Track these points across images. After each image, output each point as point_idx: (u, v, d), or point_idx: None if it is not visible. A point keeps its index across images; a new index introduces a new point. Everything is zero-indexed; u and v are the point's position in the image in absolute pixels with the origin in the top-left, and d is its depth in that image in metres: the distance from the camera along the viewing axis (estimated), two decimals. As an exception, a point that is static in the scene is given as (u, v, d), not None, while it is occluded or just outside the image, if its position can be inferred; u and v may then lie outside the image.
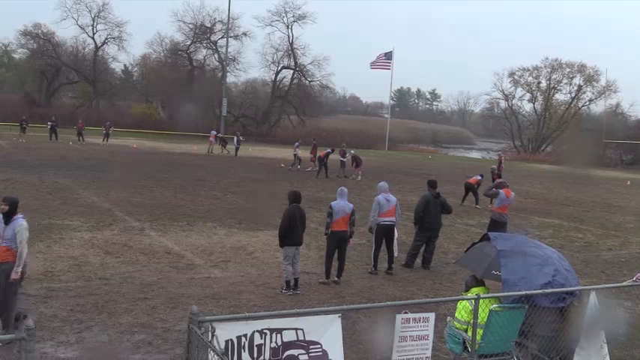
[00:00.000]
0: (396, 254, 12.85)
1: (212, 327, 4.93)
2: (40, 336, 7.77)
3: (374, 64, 69.30)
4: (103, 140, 46.15)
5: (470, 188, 24.39)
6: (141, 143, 49.03)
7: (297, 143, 36.09)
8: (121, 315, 9.05)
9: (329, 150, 33.04)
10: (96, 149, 40.72)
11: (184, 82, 74.30)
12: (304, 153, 35.97)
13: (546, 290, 6.97)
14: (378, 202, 12.63)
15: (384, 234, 12.65)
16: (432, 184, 13.75)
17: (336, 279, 11.63)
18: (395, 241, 12.79)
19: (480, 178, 24.86)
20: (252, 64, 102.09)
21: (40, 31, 73.90)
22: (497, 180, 20.65)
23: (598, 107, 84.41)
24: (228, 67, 73.17)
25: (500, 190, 15.00)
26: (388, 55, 69.19)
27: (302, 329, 5.60)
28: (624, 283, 10.32)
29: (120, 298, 9.82)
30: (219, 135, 50.45)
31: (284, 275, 10.87)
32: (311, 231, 15.26)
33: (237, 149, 43.30)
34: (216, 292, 10.50)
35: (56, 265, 11.55)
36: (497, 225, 14.28)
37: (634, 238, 19.34)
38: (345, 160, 33.50)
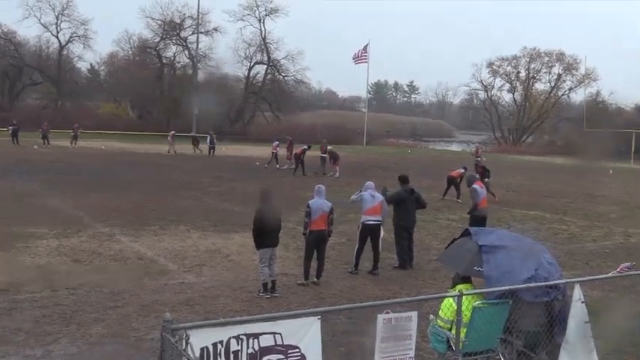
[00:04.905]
0: (379, 253, 12.82)
1: (186, 334, 4.85)
2: (4, 351, 7.63)
3: (357, 59, 69.36)
4: (72, 143, 45.55)
5: (452, 182, 24.43)
6: (110, 145, 48.53)
7: (276, 142, 35.98)
8: (91, 325, 8.92)
9: (305, 147, 32.96)
10: (62, 152, 40.20)
11: (154, 80, 73.80)
12: (282, 151, 35.86)
13: (530, 285, 6.99)
14: (362, 197, 12.64)
15: (369, 233, 12.63)
16: (404, 180, 13.70)
17: (315, 280, 11.60)
18: (380, 241, 12.76)
19: (462, 170, 24.77)
20: (224, 60, 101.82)
21: (0, 31, 72.79)
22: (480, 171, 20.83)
23: (578, 96, 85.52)
24: (199, 64, 72.80)
25: (475, 186, 15.00)
26: (365, 48, 69.32)
27: (280, 333, 5.54)
28: (609, 275, 10.42)
29: (89, 308, 9.68)
30: (192, 134, 49.94)
31: (261, 278, 10.81)
32: (289, 231, 15.21)
33: (210, 149, 43.02)
34: (191, 298, 10.42)
35: (21, 275, 11.34)
36: (477, 220, 14.33)
37: (617, 228, 19.56)
38: (325, 156, 33.43)
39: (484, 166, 24.75)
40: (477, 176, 16.86)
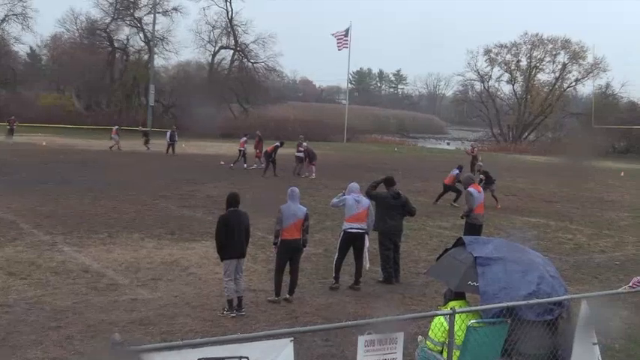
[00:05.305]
0: (367, 267, 12.86)
1: (139, 358, 4.84)
2: None
3: (339, 43, 69.49)
4: (7, 138, 45.03)
5: (449, 188, 24.31)
6: (51, 140, 48.07)
7: (244, 137, 35.88)
8: (28, 349, 8.81)
9: (277, 143, 32.95)
10: (-4, 149, 39.73)
11: (104, 66, 73.28)
12: (250, 149, 35.79)
13: (531, 301, 7.04)
14: (345, 201, 12.68)
15: (351, 243, 12.65)
16: (389, 182, 13.77)
17: (287, 296, 11.59)
18: (365, 251, 12.79)
19: (457, 172, 24.56)
20: (184, 45, 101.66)
21: None
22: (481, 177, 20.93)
23: (586, 88, 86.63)
24: (155, 48, 72.54)
25: (471, 189, 15.05)
26: (346, 32, 69.53)
27: (247, 357, 5.53)
28: (620, 290, 10.55)
29: (26, 328, 9.57)
30: (141, 128, 49.36)
31: (225, 294, 10.78)
32: (257, 240, 15.22)
33: (170, 146, 42.67)
34: (145, 317, 10.36)
35: (-53, 290, 11.21)
36: (473, 228, 14.42)
37: (629, 238, 19.83)
38: (301, 155, 33.26)
39: (487, 171, 24.66)
40: (475, 178, 16.92)
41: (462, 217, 15.38)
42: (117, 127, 46.60)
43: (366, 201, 12.89)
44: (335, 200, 13.12)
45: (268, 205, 20.67)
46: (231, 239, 10.68)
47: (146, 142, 45.07)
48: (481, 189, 15.40)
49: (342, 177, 29.23)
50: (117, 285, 12.13)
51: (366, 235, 12.81)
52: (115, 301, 11.12)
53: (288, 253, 11.52)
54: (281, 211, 11.47)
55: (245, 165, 34.92)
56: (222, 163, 36.53)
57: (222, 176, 30.71)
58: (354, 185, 13.09)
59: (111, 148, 43.69)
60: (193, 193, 24.88)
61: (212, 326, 10.09)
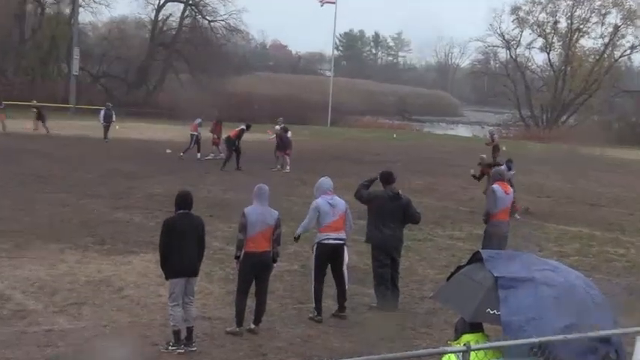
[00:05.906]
0: (347, 286, 12.89)
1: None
2: None
3: None
4: None
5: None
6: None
7: (198, 120, 35.78)
8: None
9: (242, 127, 32.81)
10: None
11: (11, 21, 72.70)
12: (206, 133, 35.73)
13: (569, 336, 7.07)
14: (318, 209, 12.63)
15: (328, 257, 12.66)
16: (386, 179, 13.71)
17: (252, 326, 11.63)
18: (344, 268, 12.81)
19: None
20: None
21: None
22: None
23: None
24: (81, 0, 71.92)
25: (494, 185, 15.09)
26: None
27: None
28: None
29: None
30: (35, 103, 47.92)
31: (171, 323, 10.77)
32: (214, 253, 15.18)
33: (106, 128, 42.42)
34: (63, 354, 10.33)
35: None
36: (494, 239, 14.45)
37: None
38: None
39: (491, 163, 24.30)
40: (503, 173, 16.88)
41: (484, 222, 15.37)
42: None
43: (341, 203, 12.83)
44: (303, 224, 13.01)
45: (229, 208, 20.74)
46: (180, 251, 10.65)
47: (43, 122, 44.17)
48: (510, 189, 15.34)
49: (324, 171, 29.09)
50: (26, 311, 12.08)
51: (345, 247, 12.83)
52: (24, 333, 11.07)
53: (254, 269, 11.54)
54: (245, 216, 11.46)
55: (199, 154, 34.85)
56: (169, 151, 36.46)
57: (168, 169, 30.66)
58: (325, 182, 12.99)
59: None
60: (130, 190, 24.83)
61: (153, 365, 10.08)
